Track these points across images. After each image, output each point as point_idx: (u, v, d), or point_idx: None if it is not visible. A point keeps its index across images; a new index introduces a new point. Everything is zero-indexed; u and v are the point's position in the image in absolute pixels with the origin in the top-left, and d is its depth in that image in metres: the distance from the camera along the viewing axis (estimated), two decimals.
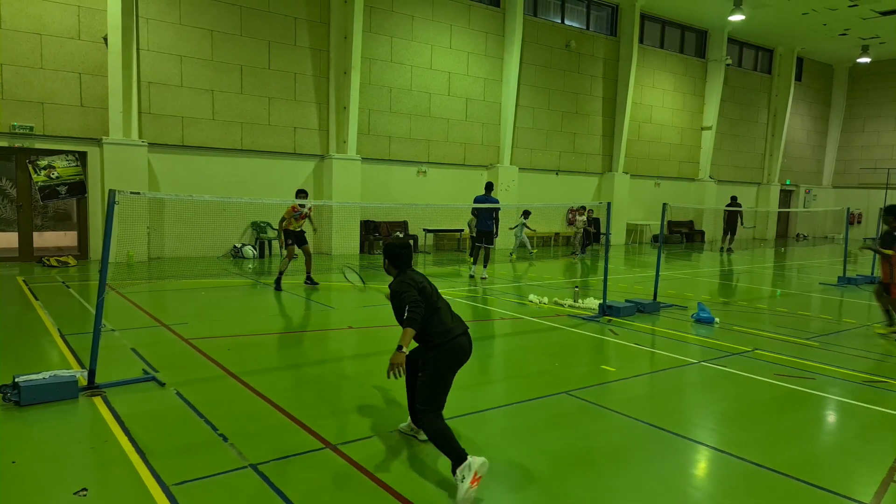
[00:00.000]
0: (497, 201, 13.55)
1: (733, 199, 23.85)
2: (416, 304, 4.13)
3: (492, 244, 13.39)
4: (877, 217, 17.84)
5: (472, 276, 13.51)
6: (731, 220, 22.42)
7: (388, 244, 4.58)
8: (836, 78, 32.46)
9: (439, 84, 19.15)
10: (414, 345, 4.39)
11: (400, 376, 4.04)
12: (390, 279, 4.50)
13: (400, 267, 4.52)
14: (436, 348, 4.25)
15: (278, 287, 11.11)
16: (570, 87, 22.31)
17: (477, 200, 13.32)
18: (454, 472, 3.85)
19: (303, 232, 11.46)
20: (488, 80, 20.16)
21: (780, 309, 10.94)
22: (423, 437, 4.60)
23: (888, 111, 30.93)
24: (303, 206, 11.11)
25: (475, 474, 3.76)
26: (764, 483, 4.19)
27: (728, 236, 22.52)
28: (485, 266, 13.34)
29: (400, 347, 4.02)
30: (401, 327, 4.13)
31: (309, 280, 11.83)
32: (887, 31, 25.29)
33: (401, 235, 18.72)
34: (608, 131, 23.60)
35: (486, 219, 13.11)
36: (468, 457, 3.84)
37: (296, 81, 16.64)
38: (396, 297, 4.28)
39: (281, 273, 11.25)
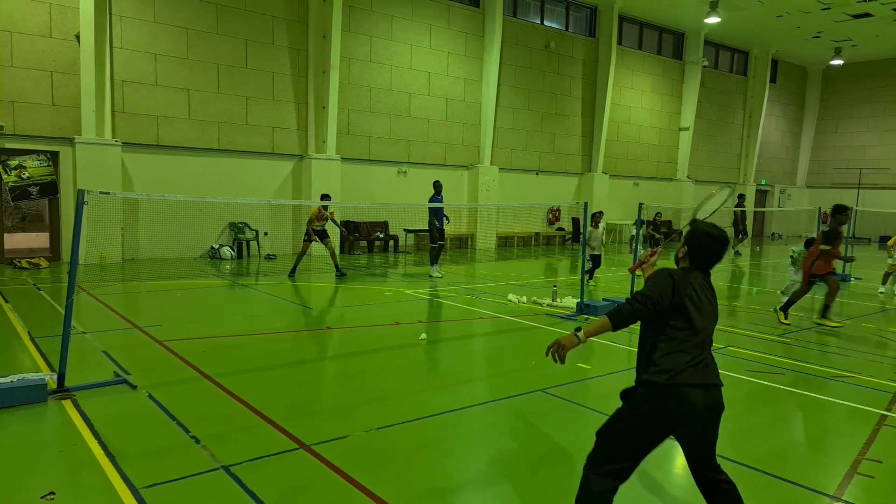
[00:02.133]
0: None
1: (741, 197, 23.53)
2: (646, 300, 3.03)
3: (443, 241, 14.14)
4: (849, 216, 18.17)
5: (440, 277, 13.51)
6: (742, 219, 21.87)
7: (700, 229, 3.22)
8: (809, 80, 33.04)
9: (419, 84, 19.14)
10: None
11: (557, 361, 3.12)
12: None
13: (694, 264, 3.25)
14: (646, 385, 3.05)
15: (340, 273, 13.07)
16: (550, 87, 22.43)
17: (434, 201, 13.56)
18: None
19: (325, 230, 13.18)
20: (468, 80, 20.19)
21: (754, 306, 11.10)
22: None
23: (860, 112, 31.55)
24: (325, 208, 12.63)
25: None
26: (735, 477, 4.19)
27: (740, 237, 21.77)
28: (436, 262, 13.83)
29: (578, 330, 3.13)
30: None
31: (339, 272, 13.14)
32: (859, 35, 25.79)
33: (381, 236, 18.67)
34: (587, 132, 23.76)
35: (441, 218, 13.70)
36: None
37: (274, 81, 16.52)
38: (645, 282, 3.22)
39: (337, 266, 13.12)
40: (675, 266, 3.30)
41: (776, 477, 4.23)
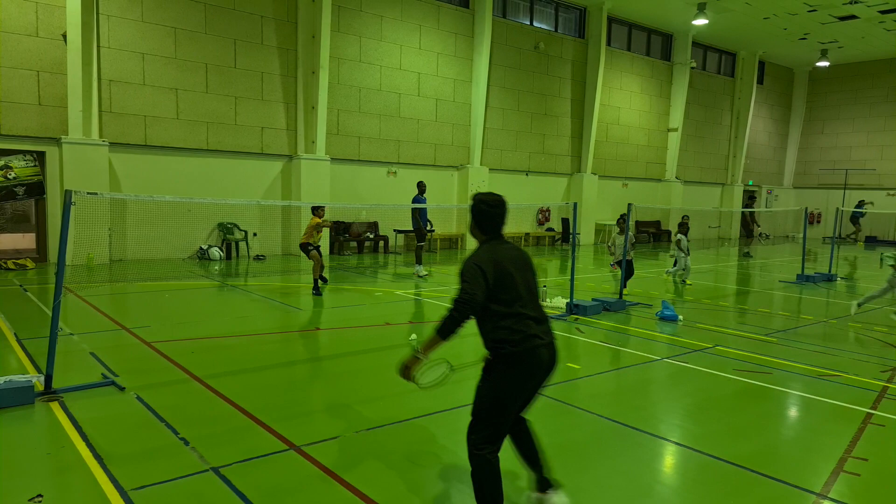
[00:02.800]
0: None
1: (752, 198, 23.56)
2: (466, 303, 3.18)
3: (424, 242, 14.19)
4: (834, 216, 18.38)
5: (425, 275, 13.66)
6: (752, 220, 21.78)
7: (478, 198, 3.52)
8: (796, 81, 33.34)
9: (409, 84, 19.14)
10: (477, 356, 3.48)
11: (410, 381, 3.38)
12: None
13: (487, 232, 3.50)
14: (505, 357, 3.29)
15: (318, 292, 11.24)
16: (539, 88, 22.49)
17: (417, 201, 13.66)
18: None
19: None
20: (458, 80, 20.21)
21: (742, 306, 11.19)
22: (554, 502, 3.62)
23: (846, 114, 31.87)
24: (322, 216, 11.54)
25: None
26: (722, 475, 4.29)
27: (755, 237, 21.61)
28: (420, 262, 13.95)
29: (417, 352, 3.31)
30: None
31: (317, 290, 11.47)
32: (845, 36, 26.06)
33: (371, 236, 18.66)
34: (577, 132, 23.85)
35: (425, 218, 13.85)
36: None
37: (263, 81, 16.46)
38: (460, 280, 3.30)
39: (317, 279, 11.35)
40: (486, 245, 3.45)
41: (763, 475, 4.28)
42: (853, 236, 24.16)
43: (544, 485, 3.64)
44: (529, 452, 3.62)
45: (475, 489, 3.32)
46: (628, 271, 11.63)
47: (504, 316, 3.27)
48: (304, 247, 11.46)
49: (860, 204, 25.37)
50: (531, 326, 3.32)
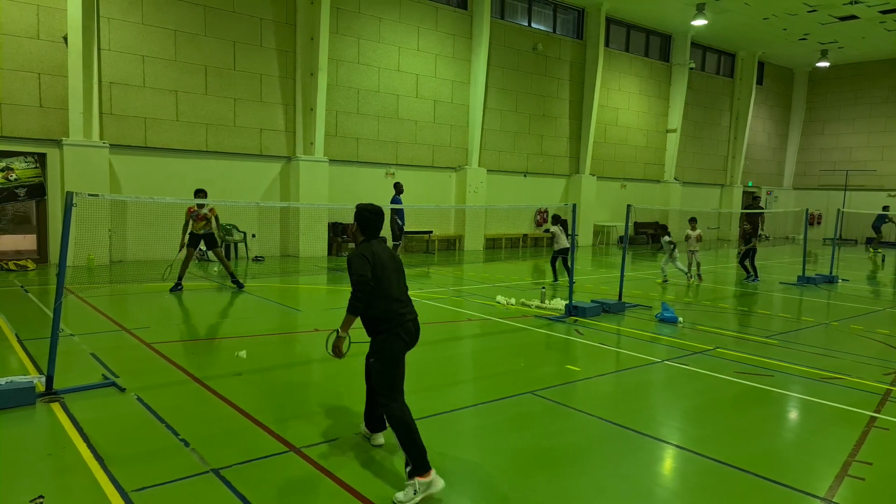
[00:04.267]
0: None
1: (755, 199, 23.17)
2: (362, 286, 4.01)
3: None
4: (835, 217, 18.39)
5: None
6: (754, 223, 21.32)
7: (361, 207, 4.38)
8: (796, 82, 33.37)
9: (407, 86, 19.14)
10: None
11: (340, 357, 4.15)
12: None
13: (367, 235, 4.34)
14: (383, 333, 4.15)
15: (240, 285, 11.30)
16: (538, 89, 22.50)
17: (396, 201, 14.05)
18: (409, 475, 3.81)
19: (211, 234, 11.29)
20: (456, 82, 20.22)
21: (742, 308, 11.19)
22: (377, 441, 4.63)
23: (846, 114, 31.89)
24: (201, 206, 10.90)
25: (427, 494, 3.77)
26: (724, 479, 4.28)
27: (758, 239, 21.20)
28: None
29: (338, 331, 4.11)
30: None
31: (236, 282, 11.49)
32: (845, 37, 26.09)
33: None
34: (575, 134, 23.86)
35: (403, 218, 14.28)
36: (432, 473, 3.82)
37: (262, 82, 16.47)
38: (349, 270, 4.13)
39: (232, 274, 11.44)
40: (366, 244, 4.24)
41: (766, 479, 4.27)
42: (875, 247, 22.38)
43: (375, 428, 4.63)
44: (376, 405, 4.46)
45: (402, 433, 3.95)
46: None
47: (380, 298, 4.12)
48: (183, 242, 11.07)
49: (885, 210, 23.60)
50: (400, 307, 4.20)
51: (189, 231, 11.07)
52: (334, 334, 4.14)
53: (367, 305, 4.09)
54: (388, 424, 4.18)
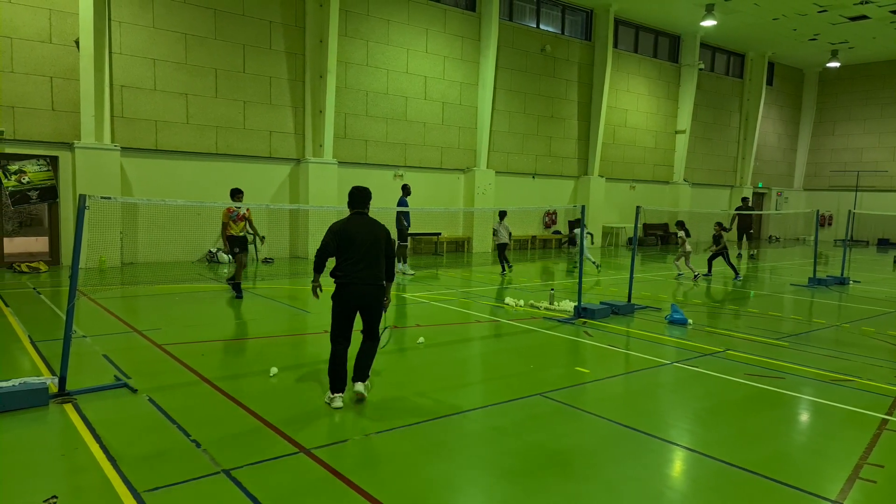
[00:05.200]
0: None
1: (744, 200, 23.09)
2: (322, 250, 5.44)
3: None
4: (846, 219, 18.26)
5: (412, 274, 14.47)
6: (744, 224, 21.31)
7: (353, 189, 5.76)
8: (806, 82, 33.16)
9: (416, 88, 19.18)
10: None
11: (317, 297, 5.67)
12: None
13: (350, 206, 5.68)
14: (336, 285, 5.50)
15: (239, 294, 10.72)
16: (546, 91, 22.49)
17: (403, 203, 14.41)
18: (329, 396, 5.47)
19: (245, 238, 10.82)
20: (464, 84, 20.25)
21: (752, 310, 11.13)
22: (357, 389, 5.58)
23: (857, 115, 31.66)
24: (238, 207, 10.42)
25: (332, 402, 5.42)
26: (735, 481, 4.27)
27: (745, 242, 21.16)
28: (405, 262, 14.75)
29: (313, 282, 5.72)
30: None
31: (237, 291, 10.84)
32: (856, 37, 25.91)
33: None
34: (583, 135, 23.82)
35: (409, 219, 14.68)
36: (337, 396, 5.42)
37: (271, 85, 16.55)
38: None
39: (235, 281, 10.77)
40: None
41: (776, 481, 4.25)
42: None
43: (356, 378, 5.59)
44: (358, 360, 5.66)
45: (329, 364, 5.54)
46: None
47: (342, 261, 5.47)
48: (230, 241, 10.52)
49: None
50: (357, 271, 5.42)
51: (230, 234, 10.52)
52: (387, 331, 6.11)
53: (326, 264, 5.58)
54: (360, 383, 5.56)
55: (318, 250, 5.46)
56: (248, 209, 10.81)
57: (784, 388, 6.39)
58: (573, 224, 19.08)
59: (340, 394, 5.46)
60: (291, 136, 17.04)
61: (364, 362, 5.64)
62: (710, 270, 15.42)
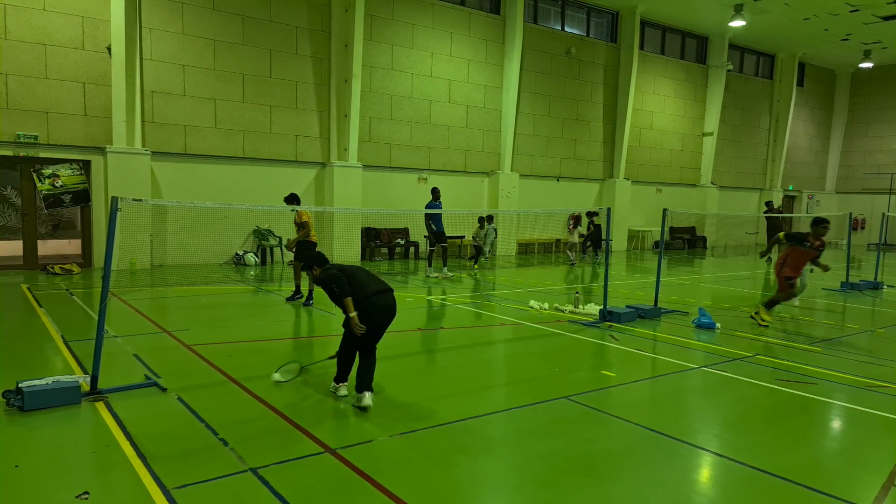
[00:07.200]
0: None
1: (768, 204, 22.75)
2: (338, 280, 5.40)
3: (446, 243, 14.74)
4: (880, 222, 17.81)
5: (436, 277, 14.35)
6: (774, 227, 20.91)
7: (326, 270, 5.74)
8: (838, 83, 32.49)
9: (440, 91, 19.23)
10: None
11: (362, 330, 5.41)
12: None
13: (319, 263, 5.80)
14: (360, 308, 5.49)
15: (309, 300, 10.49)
16: (571, 93, 22.37)
17: (431, 207, 14.27)
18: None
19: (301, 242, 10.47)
20: (489, 87, 20.23)
21: (783, 314, 10.92)
22: (342, 392, 5.78)
23: (891, 116, 30.92)
24: (294, 213, 10.19)
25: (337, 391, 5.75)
26: (765, 488, 4.18)
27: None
28: (445, 264, 14.64)
29: (348, 314, 5.43)
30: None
31: (304, 298, 10.67)
32: (889, 37, 25.32)
33: (402, 242, 18.78)
34: (609, 138, 23.64)
35: (441, 222, 14.48)
36: (342, 385, 5.75)
37: (297, 89, 16.73)
38: (325, 286, 5.50)
39: (311, 289, 10.46)
40: None
41: (809, 488, 4.16)
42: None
43: (360, 388, 5.47)
44: (362, 372, 5.54)
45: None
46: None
47: (353, 288, 5.50)
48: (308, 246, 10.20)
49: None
50: (372, 289, 5.60)
51: (313, 239, 10.40)
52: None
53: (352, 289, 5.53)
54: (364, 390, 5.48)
55: (336, 281, 5.40)
56: (299, 213, 10.49)
57: (816, 393, 6.25)
58: (591, 214, 19.77)
59: (345, 383, 5.77)
60: (317, 140, 17.19)
61: (369, 375, 5.55)
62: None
